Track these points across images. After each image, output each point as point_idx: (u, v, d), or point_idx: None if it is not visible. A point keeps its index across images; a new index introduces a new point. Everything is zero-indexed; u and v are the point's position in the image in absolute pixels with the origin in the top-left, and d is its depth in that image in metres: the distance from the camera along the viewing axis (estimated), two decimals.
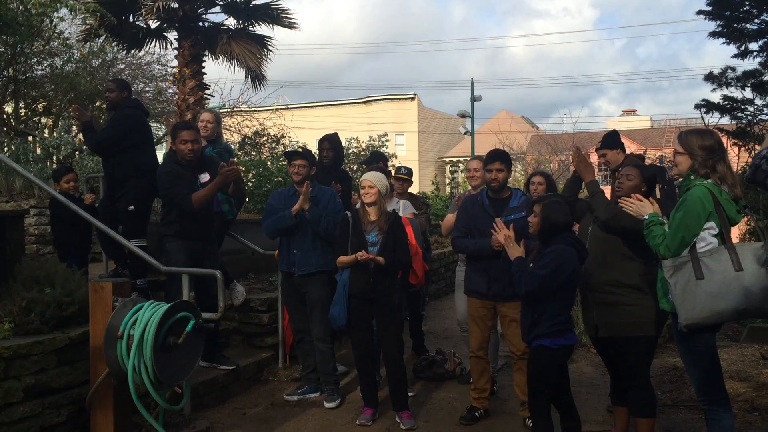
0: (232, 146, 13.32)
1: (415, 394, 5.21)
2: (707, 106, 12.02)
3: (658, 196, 5.05)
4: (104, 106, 5.41)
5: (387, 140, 16.41)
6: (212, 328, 4.62)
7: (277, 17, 12.60)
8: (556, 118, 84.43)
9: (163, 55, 12.88)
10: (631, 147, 29.94)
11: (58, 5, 8.87)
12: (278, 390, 5.29)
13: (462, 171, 19.80)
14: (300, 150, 5.57)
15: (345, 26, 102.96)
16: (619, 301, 3.67)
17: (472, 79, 25.34)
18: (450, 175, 25.96)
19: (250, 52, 12.52)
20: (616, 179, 4.00)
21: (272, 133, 13.83)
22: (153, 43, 12.72)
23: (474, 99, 25.65)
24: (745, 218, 7.50)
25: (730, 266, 3.03)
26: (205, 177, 4.91)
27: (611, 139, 4.91)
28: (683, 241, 3.13)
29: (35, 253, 6.34)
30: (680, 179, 3.39)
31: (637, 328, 3.65)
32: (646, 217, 3.36)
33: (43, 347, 3.70)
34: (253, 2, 12.43)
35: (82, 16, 10.40)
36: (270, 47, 12.85)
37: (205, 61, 12.54)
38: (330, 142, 5.82)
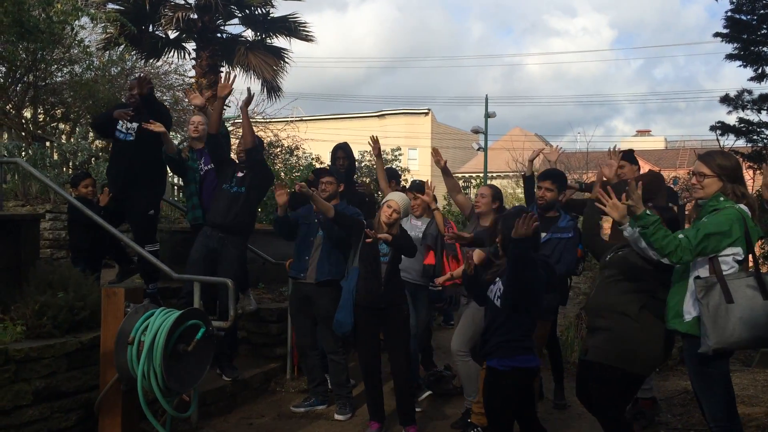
0: None
1: (422, 409, 5.18)
2: (723, 128, 11.96)
3: None
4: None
5: (400, 154, 16.45)
6: (223, 336, 4.63)
7: (295, 30, 12.74)
8: (570, 136, 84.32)
9: (181, 65, 13.02)
10: (644, 167, 29.80)
11: (80, 14, 9.01)
12: (285, 401, 5.28)
13: (474, 187, 19.74)
14: (328, 167, 5.65)
15: (364, 40, 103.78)
16: (612, 327, 3.49)
17: (486, 95, 25.51)
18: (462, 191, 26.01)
19: (267, 64, 12.66)
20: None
21: (286, 145, 13.89)
22: (171, 53, 12.91)
23: (488, 115, 25.68)
24: (759, 242, 7.42)
25: (758, 294, 3.00)
26: (240, 173, 5.12)
27: (631, 155, 4.98)
28: (709, 248, 3.06)
29: (49, 257, 6.39)
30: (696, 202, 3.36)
31: (623, 360, 3.44)
32: (639, 213, 3.14)
33: (54, 351, 3.73)
34: (272, 15, 12.59)
35: (103, 24, 10.57)
36: (286, 59, 12.99)
37: (222, 72, 12.68)
38: (344, 150, 5.90)
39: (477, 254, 3.82)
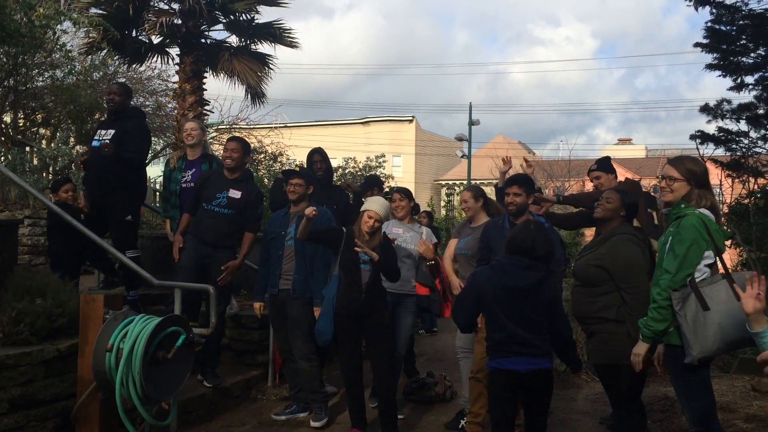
0: None
1: (404, 416, 5.17)
2: (702, 137, 12.09)
3: (656, 221, 5.11)
4: (103, 117, 5.40)
5: (384, 161, 16.50)
6: (203, 343, 4.59)
7: (279, 36, 12.71)
8: (553, 144, 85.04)
9: (165, 70, 12.95)
10: (626, 175, 30.11)
11: (62, 18, 8.94)
12: (267, 409, 5.25)
13: (458, 194, 19.82)
14: (298, 169, 5.61)
15: (350, 47, 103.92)
16: (601, 330, 3.70)
17: (470, 103, 25.60)
18: (446, 198, 26.01)
19: (251, 70, 12.62)
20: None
21: (270, 151, 13.87)
22: (155, 58, 12.80)
23: (472, 123, 25.81)
24: (737, 249, 7.51)
25: (732, 296, 3.04)
26: (235, 193, 5.14)
27: (607, 164, 5.00)
28: (687, 275, 3.14)
29: (28, 263, 6.31)
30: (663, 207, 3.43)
31: (617, 357, 3.61)
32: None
33: (31, 358, 3.68)
34: (256, 21, 12.55)
35: (85, 29, 10.48)
36: (271, 65, 12.94)
37: (206, 78, 12.61)
38: (320, 154, 5.91)
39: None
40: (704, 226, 3.14)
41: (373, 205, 4.63)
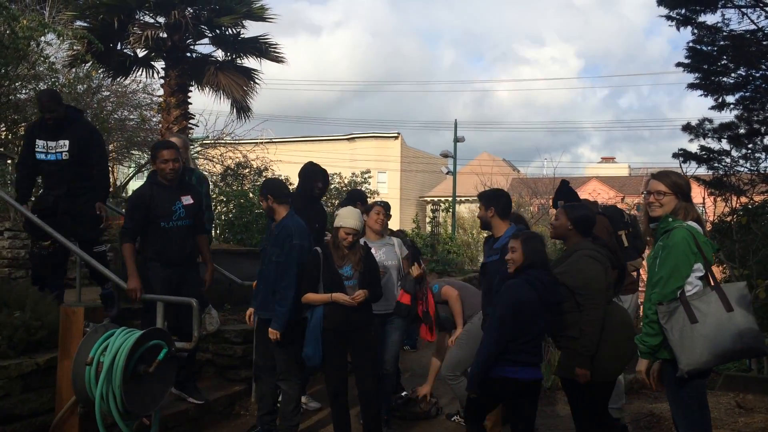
0: (214, 177, 13.32)
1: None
2: (685, 155, 12.25)
3: (626, 243, 5.12)
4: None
5: (369, 177, 16.49)
6: (185, 357, 4.51)
7: (265, 51, 12.75)
8: (537, 162, 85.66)
9: (150, 83, 12.91)
10: (609, 193, 30.38)
11: (46, 30, 8.86)
12: (250, 425, 5.15)
13: (443, 210, 19.84)
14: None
15: (337, 64, 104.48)
16: (568, 346, 3.82)
17: (456, 120, 25.74)
18: (431, 214, 26.05)
19: (237, 84, 12.63)
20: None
21: (255, 166, 13.83)
22: (140, 72, 12.77)
23: (457, 140, 25.93)
24: (721, 267, 7.54)
25: (721, 307, 3.04)
26: (188, 199, 4.83)
27: (567, 189, 5.03)
28: (677, 288, 3.15)
29: (7, 276, 6.19)
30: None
31: (570, 370, 3.77)
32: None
33: (8, 372, 3.60)
34: (242, 35, 12.58)
35: (70, 41, 10.42)
36: (257, 80, 12.98)
37: (191, 91, 12.58)
38: (324, 175, 5.67)
39: None
40: (693, 239, 3.15)
41: (348, 221, 4.46)
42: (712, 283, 3.17)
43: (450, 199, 23.25)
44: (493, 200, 4.60)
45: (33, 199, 5.08)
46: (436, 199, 35.56)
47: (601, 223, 4.78)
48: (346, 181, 15.27)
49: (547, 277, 3.73)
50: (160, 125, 11.92)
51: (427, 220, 26.34)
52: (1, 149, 9.02)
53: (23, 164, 5.25)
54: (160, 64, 12.81)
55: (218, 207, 10.11)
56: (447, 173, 28.19)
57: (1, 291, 4.20)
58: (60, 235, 4.82)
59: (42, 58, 9.24)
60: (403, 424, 5.40)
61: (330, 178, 6.76)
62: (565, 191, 5.03)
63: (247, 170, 13.39)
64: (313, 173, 5.57)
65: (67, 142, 5.09)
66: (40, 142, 5.09)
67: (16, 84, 9.36)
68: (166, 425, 4.53)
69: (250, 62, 12.95)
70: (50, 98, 5.15)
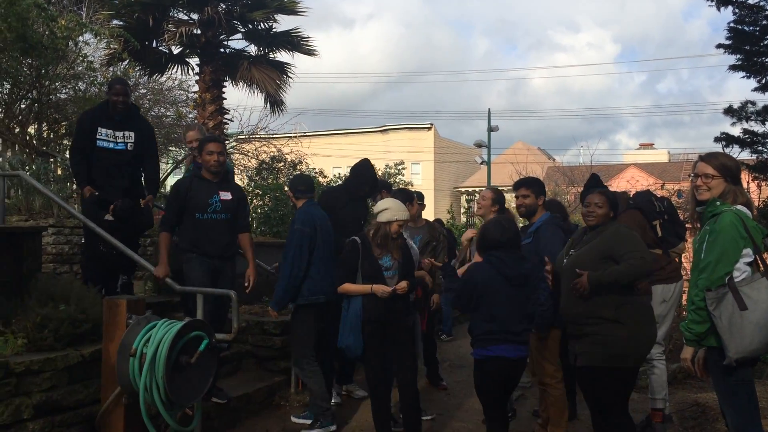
0: (249, 171, 13.43)
1: (433, 416, 5.16)
2: (727, 139, 11.90)
3: (659, 233, 4.97)
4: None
5: (403, 168, 16.45)
6: (226, 348, 4.56)
7: (297, 44, 12.79)
8: (573, 150, 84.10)
9: (185, 80, 13.07)
10: (648, 180, 29.75)
11: (84, 29, 9.04)
12: (290, 415, 5.20)
13: (475, 201, 19.71)
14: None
15: (370, 56, 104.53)
16: (597, 332, 3.64)
17: (489, 109, 25.51)
18: (466, 205, 25.86)
19: (270, 78, 12.71)
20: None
21: (289, 159, 13.91)
22: (175, 69, 12.95)
23: (491, 129, 25.72)
24: (766, 253, 7.28)
25: None
26: (226, 195, 4.88)
27: (597, 183, 4.94)
28: (725, 273, 3.03)
29: (52, 271, 6.34)
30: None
31: (614, 360, 3.61)
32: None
33: (55, 364, 3.67)
34: (274, 30, 12.65)
35: (107, 40, 10.61)
36: (290, 74, 13.04)
37: (225, 87, 12.71)
38: (373, 181, 5.70)
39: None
40: (742, 223, 3.04)
41: (402, 213, 4.55)
42: (762, 269, 3.05)
43: (483, 188, 23.09)
44: (542, 188, 4.82)
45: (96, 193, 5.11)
46: (470, 189, 35.34)
47: (632, 217, 4.69)
48: (380, 173, 15.26)
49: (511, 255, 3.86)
50: (196, 121, 12.06)
51: (462, 210, 26.20)
52: (44, 148, 9.23)
53: (80, 150, 5.19)
54: (194, 61, 12.97)
55: (254, 200, 10.19)
56: (481, 163, 27.98)
57: (46, 285, 4.29)
58: (102, 231, 4.89)
59: (80, 58, 9.44)
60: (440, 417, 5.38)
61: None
62: (594, 185, 4.95)
63: (281, 164, 13.46)
64: (363, 178, 5.58)
65: (132, 134, 5.24)
66: (103, 131, 5.17)
67: (56, 83, 9.57)
68: (208, 415, 4.59)
69: (282, 56, 13.03)
70: (124, 84, 5.30)
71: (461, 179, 38.60)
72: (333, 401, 5.27)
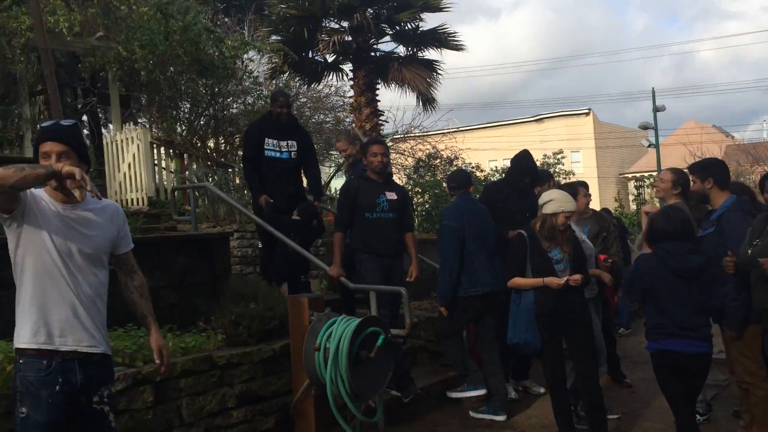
0: (407, 170, 13.65)
1: (619, 416, 4.90)
2: None
3: None
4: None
5: (562, 157, 15.84)
6: (402, 343, 4.64)
7: (444, 41, 12.81)
8: (755, 126, 75.88)
9: (340, 86, 13.59)
10: None
11: (247, 47, 9.71)
12: (467, 409, 5.16)
13: (647, 186, 18.49)
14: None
15: (519, 45, 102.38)
16: None
17: (653, 88, 23.87)
18: (635, 191, 24.30)
19: (420, 77, 12.85)
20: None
21: (445, 155, 13.94)
22: (330, 76, 13.53)
23: (656, 109, 24.05)
24: None
25: None
26: (392, 195, 4.99)
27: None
28: None
29: (239, 273, 6.85)
30: None
31: None
32: None
33: (251, 357, 3.95)
34: (421, 29, 12.77)
35: (268, 55, 11.32)
36: (439, 71, 13.09)
37: (378, 89, 13.04)
38: (534, 172, 5.64)
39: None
40: None
41: (569, 204, 4.35)
42: None
43: (654, 173, 21.59)
44: (709, 170, 4.28)
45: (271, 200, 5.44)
46: (638, 174, 33.18)
47: None
48: (538, 163, 14.82)
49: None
50: (353, 125, 12.48)
51: (631, 197, 24.74)
52: (222, 159, 10.02)
53: (252, 159, 5.52)
54: (347, 67, 13.47)
55: (415, 198, 10.32)
56: (649, 146, 26.29)
57: (237, 286, 4.64)
58: (280, 233, 5.19)
59: (247, 74, 10.14)
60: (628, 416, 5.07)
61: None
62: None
63: (437, 161, 13.53)
64: (523, 169, 5.51)
65: (295, 143, 5.55)
66: (270, 141, 5.49)
67: (228, 99, 10.37)
68: (389, 408, 4.68)
69: (430, 54, 13.13)
70: (286, 96, 5.68)
71: (627, 165, 36.41)
72: (510, 397, 5.17)
